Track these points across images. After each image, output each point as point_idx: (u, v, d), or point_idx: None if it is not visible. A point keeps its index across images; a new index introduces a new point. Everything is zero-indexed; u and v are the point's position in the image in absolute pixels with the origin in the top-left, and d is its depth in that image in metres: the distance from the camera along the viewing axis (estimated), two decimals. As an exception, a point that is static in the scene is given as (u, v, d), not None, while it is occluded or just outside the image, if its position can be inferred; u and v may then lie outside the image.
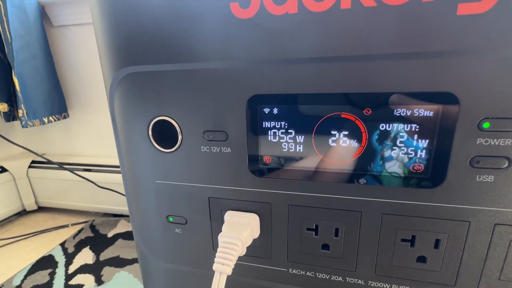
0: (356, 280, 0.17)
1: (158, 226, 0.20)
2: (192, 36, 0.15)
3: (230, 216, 0.18)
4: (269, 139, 0.16)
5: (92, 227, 0.96)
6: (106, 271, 0.73)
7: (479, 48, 0.12)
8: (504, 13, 0.11)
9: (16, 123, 0.94)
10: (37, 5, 0.79)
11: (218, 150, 0.17)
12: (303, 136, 0.16)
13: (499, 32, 0.12)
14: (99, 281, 0.69)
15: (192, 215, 0.19)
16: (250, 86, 0.15)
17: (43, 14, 0.84)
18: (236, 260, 0.16)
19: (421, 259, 0.16)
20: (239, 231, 0.17)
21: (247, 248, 0.18)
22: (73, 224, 0.95)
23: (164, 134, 0.18)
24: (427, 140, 0.14)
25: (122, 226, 0.97)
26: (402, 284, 0.16)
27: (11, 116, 0.82)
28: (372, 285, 0.17)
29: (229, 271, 0.15)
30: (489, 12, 0.12)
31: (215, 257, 0.16)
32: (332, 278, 0.18)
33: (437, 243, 0.15)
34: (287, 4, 0.13)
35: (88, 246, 0.84)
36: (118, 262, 0.76)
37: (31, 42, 0.78)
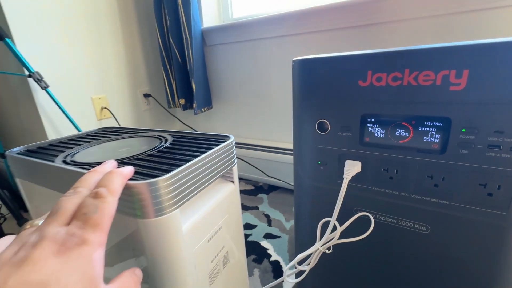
0: (404, 193, 0.40)
1: (312, 165, 0.48)
2: (337, 90, 0.41)
3: (348, 162, 0.43)
4: (368, 130, 0.41)
5: (223, 183, 1.37)
6: (237, 211, 1.10)
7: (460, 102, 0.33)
8: (470, 91, 0.32)
9: (178, 111, 1.38)
10: (200, 33, 1.18)
11: (346, 134, 0.42)
12: (383, 130, 0.39)
13: (468, 98, 0.32)
14: (234, 215, 1.07)
15: (330, 162, 0.46)
16: (362, 109, 0.40)
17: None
18: (350, 178, 0.42)
19: (436, 185, 0.37)
20: (352, 167, 0.42)
21: (354, 176, 0.43)
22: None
23: (322, 127, 0.45)
24: (439, 135, 0.35)
25: (241, 186, 1.38)
26: (431, 197, 0.38)
27: (186, 107, 1.26)
28: (412, 196, 0.39)
29: (349, 178, 0.41)
30: (464, 89, 0.32)
31: (340, 180, 0.42)
32: (394, 193, 0.41)
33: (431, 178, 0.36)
34: (381, 83, 0.37)
35: (239, 201, 1.26)
36: (243, 207, 1.15)
37: (198, 58, 1.18)
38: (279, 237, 0.93)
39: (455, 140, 0.34)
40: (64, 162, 0.33)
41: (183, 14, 1.09)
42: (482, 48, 0.30)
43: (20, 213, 0.94)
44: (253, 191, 1.26)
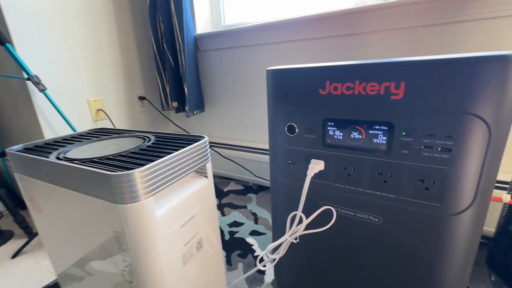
0: (359, 189, 0.45)
1: (283, 163, 0.53)
2: (303, 97, 0.46)
3: (313, 161, 0.48)
4: (329, 133, 0.46)
5: (214, 184, 1.43)
6: (226, 210, 1.17)
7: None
8: (407, 100, 0.37)
9: (172, 113, 1.43)
10: (193, 39, 1.23)
11: (310, 136, 0.48)
12: (341, 133, 0.45)
13: (406, 106, 0.38)
14: (223, 214, 1.13)
15: (298, 161, 0.51)
16: (323, 114, 0.45)
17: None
18: (312, 175, 0.47)
19: (385, 181, 0.42)
20: (316, 165, 0.47)
21: (317, 173, 0.48)
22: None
23: (291, 129, 0.50)
24: (385, 137, 0.41)
25: (232, 186, 1.43)
26: (381, 191, 0.44)
27: (179, 109, 1.31)
28: (366, 191, 0.45)
29: (311, 175, 0.46)
30: (402, 98, 0.38)
31: (306, 176, 0.47)
32: (351, 188, 0.46)
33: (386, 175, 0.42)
34: (337, 92, 0.42)
35: (214, 195, 1.30)
36: (232, 206, 1.20)
37: (190, 63, 1.23)
38: (264, 234, 0.98)
39: (398, 142, 0.40)
40: (58, 158, 0.38)
41: (176, 21, 1.15)
42: (414, 65, 0.36)
43: (17, 210, 0.99)
44: (243, 191, 1.30)
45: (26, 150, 0.44)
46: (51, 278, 0.82)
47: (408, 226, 0.42)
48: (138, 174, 0.30)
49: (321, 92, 0.44)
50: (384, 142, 0.41)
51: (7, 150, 0.43)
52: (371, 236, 0.47)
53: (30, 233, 1.00)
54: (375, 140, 0.42)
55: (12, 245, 0.98)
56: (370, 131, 0.42)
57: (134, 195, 0.30)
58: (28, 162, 0.40)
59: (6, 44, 0.88)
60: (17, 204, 1.17)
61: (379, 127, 0.41)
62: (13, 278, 0.82)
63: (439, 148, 0.37)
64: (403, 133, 0.39)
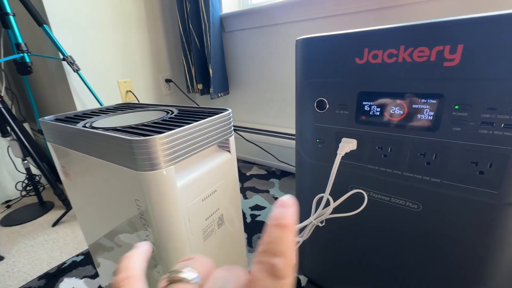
0: (397, 171, 0.40)
1: (311, 143, 0.50)
2: (335, 68, 0.42)
3: (344, 139, 0.44)
4: (364, 108, 0.41)
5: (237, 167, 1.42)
6: (248, 193, 1.16)
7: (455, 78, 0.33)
8: (464, 67, 0.32)
9: (197, 96, 1.42)
10: (219, 19, 1.19)
11: (342, 112, 0.44)
12: (379, 108, 0.40)
13: (462, 74, 0.32)
14: (245, 197, 1.12)
15: (327, 139, 0.47)
16: (358, 87, 0.41)
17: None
18: (343, 154, 0.43)
19: (428, 163, 0.37)
20: (347, 145, 0.43)
21: (348, 153, 0.44)
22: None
23: (321, 105, 0.46)
24: (432, 112, 0.35)
25: (254, 170, 1.41)
26: (423, 175, 0.39)
27: (204, 92, 1.30)
28: (405, 174, 0.40)
29: (342, 154, 0.42)
30: (458, 64, 0.32)
31: (335, 157, 0.43)
32: (387, 170, 0.42)
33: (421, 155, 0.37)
34: (377, 60, 0.37)
35: (236, 171, 1.28)
36: (254, 190, 1.19)
37: (216, 44, 1.20)
38: (286, 219, 0.96)
39: (448, 117, 0.34)
40: (84, 127, 0.38)
41: (202, 0, 1.12)
42: (477, 22, 0.30)
43: (56, 184, 1.06)
44: (266, 176, 1.29)
45: (57, 120, 0.44)
46: (85, 246, 0.87)
47: (453, 214, 0.37)
48: (159, 141, 0.29)
49: (358, 61, 0.39)
50: (431, 118, 0.36)
51: (40, 119, 0.44)
52: (408, 224, 0.42)
53: (68, 205, 1.07)
54: (419, 116, 0.37)
55: (53, 215, 1.07)
56: (414, 105, 0.37)
57: (154, 162, 0.29)
58: (58, 130, 0.41)
59: (44, 25, 0.91)
60: (57, 178, 1.26)
61: (425, 100, 0.35)
62: (53, 244, 0.89)
63: (502, 125, 0.31)
64: (456, 107, 0.33)
